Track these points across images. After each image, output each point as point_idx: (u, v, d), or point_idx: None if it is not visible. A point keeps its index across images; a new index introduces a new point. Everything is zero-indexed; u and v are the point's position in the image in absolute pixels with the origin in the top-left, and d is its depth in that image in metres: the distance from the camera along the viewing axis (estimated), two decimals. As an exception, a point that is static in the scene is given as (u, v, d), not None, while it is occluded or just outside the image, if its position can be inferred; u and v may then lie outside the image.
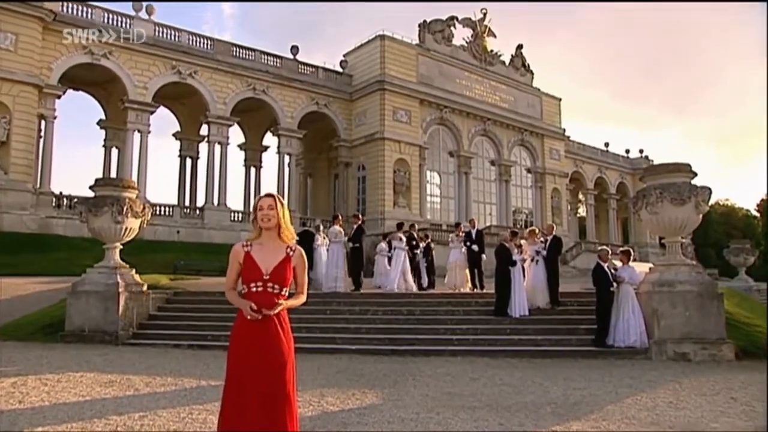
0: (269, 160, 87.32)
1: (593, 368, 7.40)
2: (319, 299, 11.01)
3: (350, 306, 10.76)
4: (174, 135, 34.39)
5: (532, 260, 10.39)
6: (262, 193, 2.92)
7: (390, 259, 15.61)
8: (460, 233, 13.57)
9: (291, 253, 2.80)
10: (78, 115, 68.67)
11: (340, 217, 13.17)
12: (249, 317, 2.62)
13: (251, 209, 2.89)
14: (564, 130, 43.62)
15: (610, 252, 9.19)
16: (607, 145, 50.93)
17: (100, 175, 28.10)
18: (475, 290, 12.69)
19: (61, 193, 25.09)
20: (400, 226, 13.54)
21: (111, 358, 7.99)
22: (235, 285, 2.80)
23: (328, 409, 5.12)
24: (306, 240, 14.82)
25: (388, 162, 32.80)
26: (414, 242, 13.07)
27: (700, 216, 8.71)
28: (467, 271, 13.26)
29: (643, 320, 8.49)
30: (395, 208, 32.90)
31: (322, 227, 14.58)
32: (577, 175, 47.26)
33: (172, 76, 28.23)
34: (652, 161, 47.24)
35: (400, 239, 12.89)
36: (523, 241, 11.08)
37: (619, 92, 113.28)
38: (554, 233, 10.85)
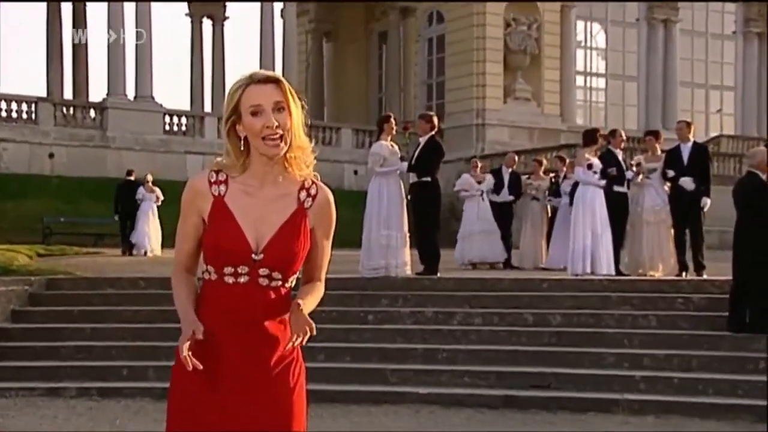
0: (240, 7, 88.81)
1: None
2: (354, 293, 11.27)
3: (415, 306, 11.01)
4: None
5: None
6: (251, 73, 2.69)
7: (506, 205, 15.79)
8: (656, 152, 13.61)
9: (308, 201, 2.72)
10: None
11: (393, 122, 13.08)
12: (182, 357, 2.49)
13: (225, 108, 2.69)
14: None
15: None
16: None
17: None
18: (685, 274, 12.73)
19: None
20: (589, 135, 13.78)
21: None
22: (192, 262, 2.78)
23: None
24: (125, 196, 19.44)
25: (492, 5, 32.30)
26: (614, 170, 13.28)
27: None
28: (671, 232, 13.19)
29: None
30: (508, 103, 32.93)
31: (150, 177, 19.57)
32: None
33: None
34: None
35: (589, 166, 13.03)
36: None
37: None
38: None
